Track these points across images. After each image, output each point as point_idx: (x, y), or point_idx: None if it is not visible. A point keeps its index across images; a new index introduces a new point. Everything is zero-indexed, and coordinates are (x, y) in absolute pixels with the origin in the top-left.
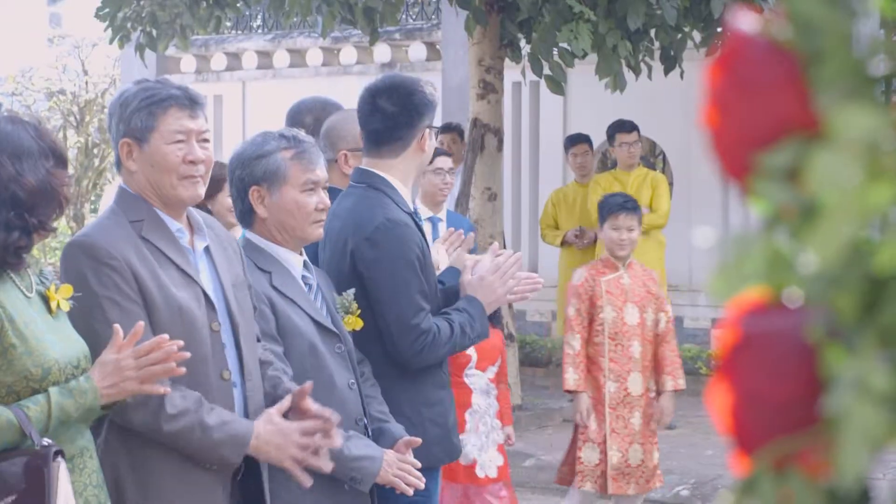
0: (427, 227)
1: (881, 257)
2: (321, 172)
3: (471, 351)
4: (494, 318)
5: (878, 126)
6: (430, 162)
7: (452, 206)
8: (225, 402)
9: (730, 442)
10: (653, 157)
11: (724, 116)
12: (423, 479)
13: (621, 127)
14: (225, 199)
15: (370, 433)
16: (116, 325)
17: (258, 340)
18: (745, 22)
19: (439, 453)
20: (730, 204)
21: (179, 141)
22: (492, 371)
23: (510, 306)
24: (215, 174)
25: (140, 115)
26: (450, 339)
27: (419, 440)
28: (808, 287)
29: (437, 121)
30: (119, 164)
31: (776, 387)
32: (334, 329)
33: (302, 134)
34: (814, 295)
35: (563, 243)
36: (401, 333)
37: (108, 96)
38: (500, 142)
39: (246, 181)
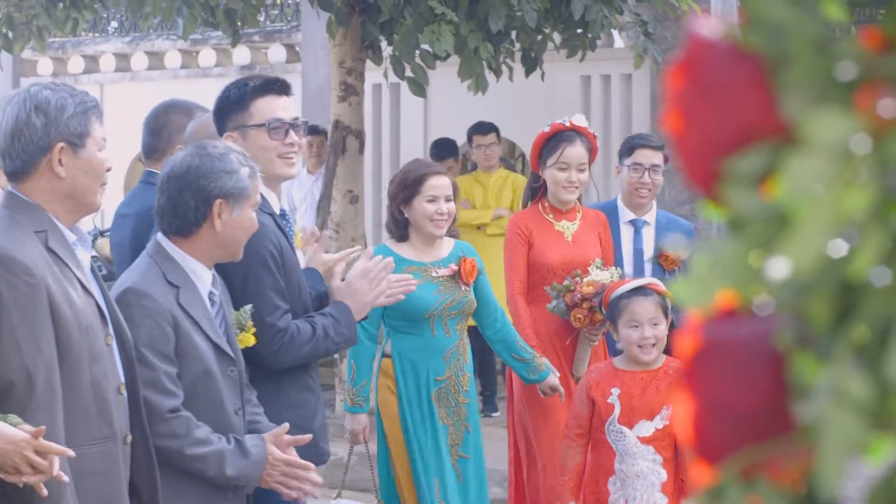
0: (626, 231)
1: (857, 263)
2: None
3: (613, 399)
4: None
5: (850, 130)
6: (630, 155)
7: (314, 211)
8: (122, 416)
9: (692, 451)
10: (512, 158)
11: (688, 122)
12: (318, 481)
13: (478, 129)
14: (422, 204)
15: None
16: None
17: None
18: (706, 27)
19: (303, 457)
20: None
21: (103, 148)
22: (646, 427)
23: None
24: None
25: (78, 119)
26: (310, 339)
27: (308, 437)
28: (778, 294)
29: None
30: (22, 171)
31: (742, 395)
32: (230, 353)
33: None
34: (784, 302)
35: None
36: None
37: None
38: (362, 144)
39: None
